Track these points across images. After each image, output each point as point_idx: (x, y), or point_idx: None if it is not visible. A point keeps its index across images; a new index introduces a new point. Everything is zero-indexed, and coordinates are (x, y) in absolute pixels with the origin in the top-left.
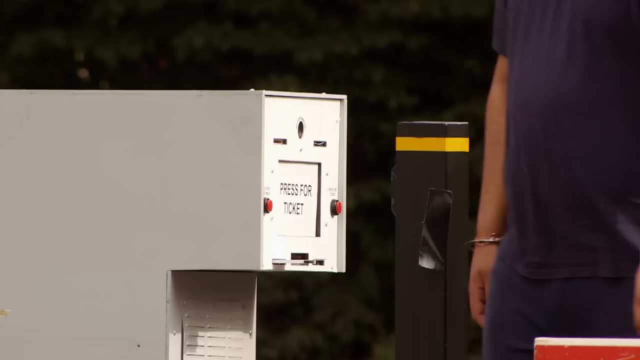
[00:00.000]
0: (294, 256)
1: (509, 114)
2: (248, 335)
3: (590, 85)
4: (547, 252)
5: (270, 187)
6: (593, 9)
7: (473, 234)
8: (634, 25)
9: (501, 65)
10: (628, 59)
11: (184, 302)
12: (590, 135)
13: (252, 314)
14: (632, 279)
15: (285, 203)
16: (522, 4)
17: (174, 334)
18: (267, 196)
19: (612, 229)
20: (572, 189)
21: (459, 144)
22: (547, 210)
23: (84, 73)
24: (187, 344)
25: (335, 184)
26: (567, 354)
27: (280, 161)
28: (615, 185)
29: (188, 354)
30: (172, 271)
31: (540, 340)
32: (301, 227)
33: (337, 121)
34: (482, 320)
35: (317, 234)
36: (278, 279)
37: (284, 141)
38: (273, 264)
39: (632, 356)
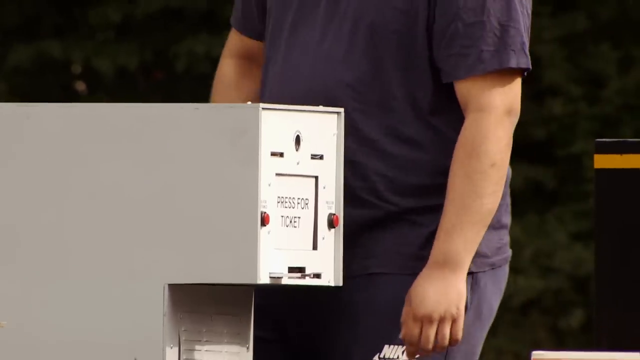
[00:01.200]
0: (291, 270)
1: (265, 99)
2: (245, 349)
3: (365, 88)
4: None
5: (267, 200)
6: (379, 16)
7: None
8: (418, 40)
9: (235, 41)
10: (408, 70)
11: (181, 316)
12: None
13: (249, 327)
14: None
15: (282, 216)
16: None
17: (171, 348)
18: (264, 209)
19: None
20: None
21: None
22: None
23: (80, 86)
24: (184, 357)
25: (332, 197)
26: None
27: (277, 174)
28: (375, 188)
29: None
30: (169, 284)
31: (537, 354)
32: (298, 240)
33: (334, 134)
34: None
35: (314, 247)
36: None
37: (281, 154)
38: (270, 277)
39: None
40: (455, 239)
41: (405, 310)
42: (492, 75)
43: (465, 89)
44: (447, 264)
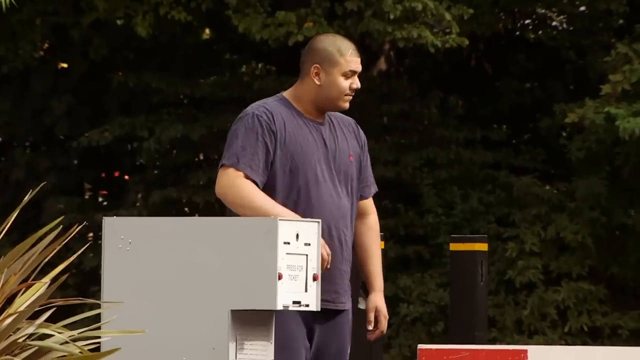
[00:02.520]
0: (294, 302)
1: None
2: (269, 343)
3: (351, 210)
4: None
5: (281, 266)
6: (354, 172)
7: None
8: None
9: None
10: (356, 198)
11: (237, 326)
12: (349, 232)
13: (272, 333)
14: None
15: (289, 275)
16: (307, 164)
17: (232, 343)
18: (280, 271)
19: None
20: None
21: None
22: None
23: None
24: (239, 347)
25: (315, 265)
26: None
27: (287, 253)
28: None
29: (240, 353)
30: (232, 310)
31: (422, 346)
32: (297, 287)
33: (315, 233)
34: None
35: (306, 290)
36: None
37: (288, 242)
38: (283, 306)
39: (467, 354)
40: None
41: (378, 313)
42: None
43: (369, 202)
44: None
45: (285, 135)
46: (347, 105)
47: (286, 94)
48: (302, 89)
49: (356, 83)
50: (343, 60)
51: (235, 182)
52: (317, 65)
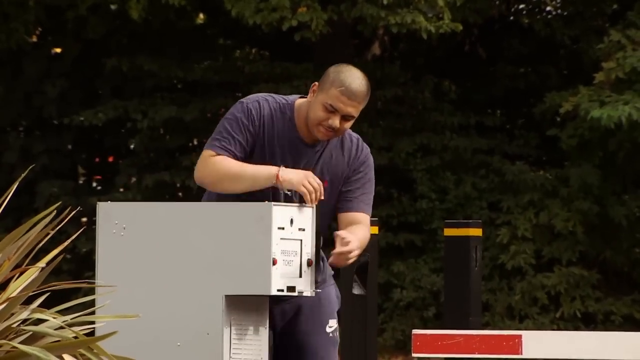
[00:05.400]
0: (288, 288)
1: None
2: (264, 328)
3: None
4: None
5: (276, 252)
6: (326, 196)
7: None
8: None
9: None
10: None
11: (231, 311)
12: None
13: (266, 318)
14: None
15: (283, 260)
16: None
17: (226, 328)
18: (274, 256)
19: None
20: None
21: None
22: None
23: None
24: (233, 332)
25: (309, 250)
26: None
27: (281, 238)
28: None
29: (234, 338)
30: (226, 295)
31: (417, 331)
32: (291, 272)
33: (309, 218)
34: None
35: (300, 276)
36: None
37: (283, 228)
38: (277, 290)
39: (462, 339)
40: None
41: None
42: None
43: (358, 216)
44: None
45: (264, 141)
46: (321, 136)
47: (297, 102)
48: (305, 103)
49: (334, 123)
50: (331, 91)
51: (207, 161)
52: (316, 83)
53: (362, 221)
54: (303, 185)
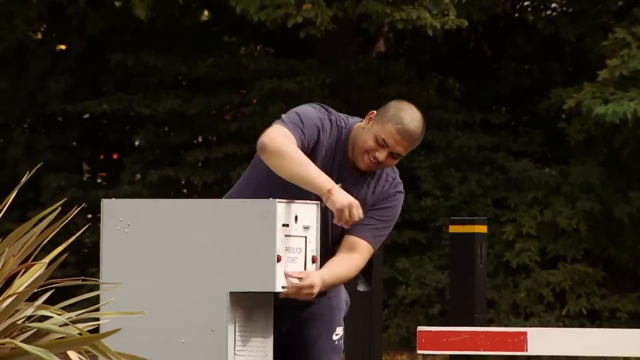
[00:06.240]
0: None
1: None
2: (269, 325)
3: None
4: None
5: (280, 249)
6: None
7: None
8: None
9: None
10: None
11: (236, 308)
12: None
13: (271, 316)
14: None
15: (288, 257)
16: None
17: (231, 325)
18: (278, 253)
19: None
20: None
21: None
22: None
23: None
24: (238, 329)
25: (313, 247)
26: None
27: (285, 235)
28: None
29: (239, 335)
30: (230, 292)
31: (422, 328)
32: (296, 269)
33: (314, 215)
34: None
35: None
36: None
37: (287, 225)
38: (281, 287)
39: (467, 336)
40: None
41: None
42: None
43: (359, 243)
44: None
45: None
46: (363, 165)
47: (355, 127)
48: (359, 128)
49: (381, 156)
50: (387, 126)
51: (283, 132)
52: (374, 112)
53: (359, 249)
54: (342, 212)
